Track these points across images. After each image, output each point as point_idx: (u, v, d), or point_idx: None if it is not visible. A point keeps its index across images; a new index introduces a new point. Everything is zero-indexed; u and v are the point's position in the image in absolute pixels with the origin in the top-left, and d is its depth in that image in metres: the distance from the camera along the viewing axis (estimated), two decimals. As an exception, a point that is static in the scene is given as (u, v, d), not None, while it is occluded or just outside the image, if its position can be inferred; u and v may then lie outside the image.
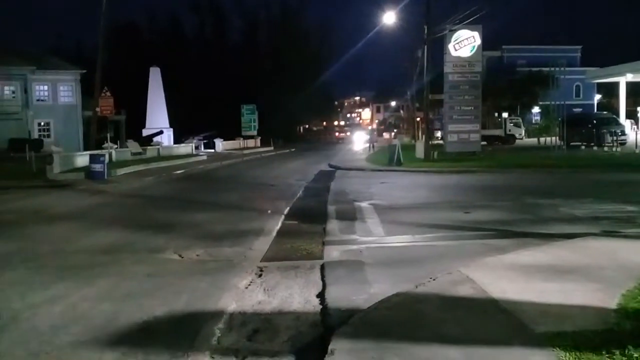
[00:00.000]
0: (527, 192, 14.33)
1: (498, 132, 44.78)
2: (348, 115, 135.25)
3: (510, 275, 5.70)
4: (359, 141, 57.05)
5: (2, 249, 8.60)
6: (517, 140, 45.08)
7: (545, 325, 4.24)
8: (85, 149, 32.55)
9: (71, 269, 7.17)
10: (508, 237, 8.32)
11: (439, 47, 28.27)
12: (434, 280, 5.63)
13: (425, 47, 27.54)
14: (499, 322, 4.38)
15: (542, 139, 38.33)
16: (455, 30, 26.35)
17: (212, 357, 4.28)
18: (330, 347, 4.01)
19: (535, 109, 57.87)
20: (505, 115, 51.89)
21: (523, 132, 48.56)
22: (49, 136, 41.97)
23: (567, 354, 3.69)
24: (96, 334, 4.80)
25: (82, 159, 24.61)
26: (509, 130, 45.40)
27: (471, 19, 25.09)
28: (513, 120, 47.71)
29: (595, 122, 34.77)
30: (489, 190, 15.21)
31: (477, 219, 10.14)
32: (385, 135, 63.51)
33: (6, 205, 14.50)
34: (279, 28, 74.41)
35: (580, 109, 53.81)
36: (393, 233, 9.07)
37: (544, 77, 44.09)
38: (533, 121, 58.63)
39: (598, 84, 52.88)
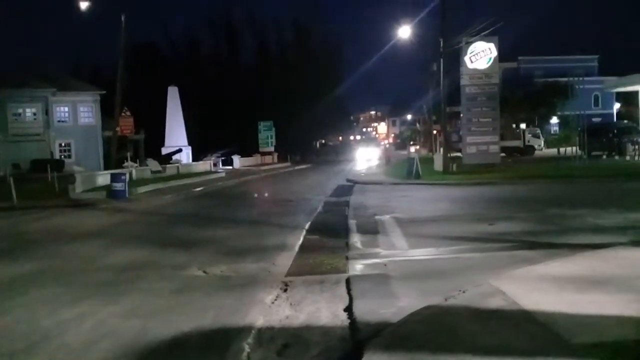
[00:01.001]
0: (551, 202, 14.16)
1: (517, 143, 44.38)
2: (364, 129, 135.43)
3: (541, 287, 5.60)
4: (366, 159, 50.97)
5: (30, 267, 8.69)
6: (536, 151, 44.67)
7: (581, 336, 4.15)
8: (106, 169, 32.94)
9: (98, 286, 7.22)
10: (535, 248, 8.19)
11: (455, 60, 28.23)
12: (463, 292, 5.55)
13: (442, 59, 27.54)
14: (534, 334, 4.29)
15: (562, 150, 37.92)
16: (471, 43, 26.26)
17: (243, 373, 4.26)
18: (362, 360, 3.97)
19: (554, 120, 57.39)
20: (523, 126, 51.46)
21: (542, 142, 48.11)
22: (69, 156, 42.61)
23: (608, 366, 3.60)
24: (126, 351, 4.81)
25: (103, 178, 24.91)
26: (528, 141, 45.02)
27: (487, 31, 25.04)
28: (532, 131, 47.32)
29: (615, 131, 34.30)
30: (511, 201, 15.04)
31: (502, 231, 10.02)
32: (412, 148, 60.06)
33: (31, 225, 14.71)
34: (292, 45, 74.95)
35: (600, 119, 53.19)
36: (417, 246, 8.99)
37: (561, 87, 43.79)
38: (552, 132, 58.12)
39: (617, 93, 52.29)
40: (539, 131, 49.01)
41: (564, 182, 19.78)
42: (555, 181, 20.28)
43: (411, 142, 66.76)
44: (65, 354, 4.78)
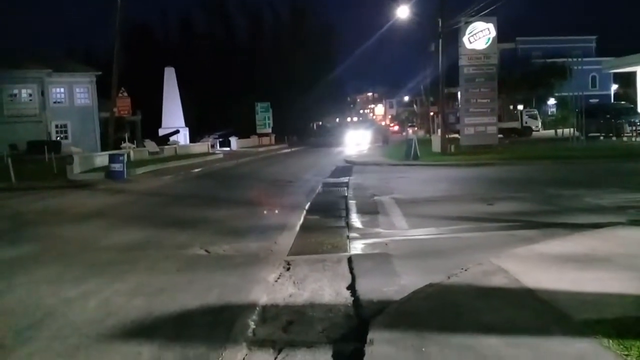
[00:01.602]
0: (549, 183, 14.22)
1: (514, 124, 44.38)
2: (361, 111, 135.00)
3: (542, 265, 5.66)
4: (355, 144, 45.37)
5: (32, 247, 8.72)
6: (533, 132, 44.68)
7: (584, 313, 4.21)
8: (103, 150, 32.88)
9: (101, 265, 7.25)
10: (534, 227, 8.24)
11: (453, 40, 28.06)
12: (465, 270, 5.60)
13: (440, 40, 27.37)
14: (537, 311, 4.35)
15: (559, 131, 37.93)
16: (470, 23, 26.06)
17: (250, 349, 4.30)
18: (368, 336, 4.02)
19: (551, 101, 57.29)
20: (521, 107, 51.37)
21: (539, 124, 48.10)
22: (66, 138, 42.42)
23: (611, 341, 3.66)
24: (132, 328, 4.86)
25: (101, 159, 24.87)
26: (526, 123, 44.99)
27: (486, 11, 24.86)
28: (529, 112, 47.27)
29: (613, 112, 34.30)
30: (509, 182, 15.10)
31: (501, 211, 10.08)
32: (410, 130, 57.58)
33: (31, 206, 14.69)
34: (288, 26, 74.44)
35: (597, 100, 53.10)
36: (417, 226, 9.04)
37: (559, 68, 43.59)
38: (549, 113, 58.08)
39: (614, 74, 52.18)
40: (536, 112, 48.95)
41: (561, 163, 19.85)
42: (553, 162, 20.32)
43: (409, 124, 66.60)
44: (71, 332, 4.81)
